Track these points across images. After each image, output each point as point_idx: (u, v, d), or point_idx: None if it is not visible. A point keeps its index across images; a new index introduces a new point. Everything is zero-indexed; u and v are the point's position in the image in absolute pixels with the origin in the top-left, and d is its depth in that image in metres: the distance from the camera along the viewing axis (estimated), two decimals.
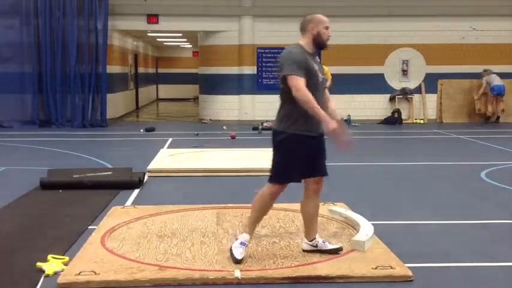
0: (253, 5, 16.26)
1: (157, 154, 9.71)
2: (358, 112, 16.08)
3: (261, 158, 9.47)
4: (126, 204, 6.39)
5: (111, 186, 7.19)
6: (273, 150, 4.59)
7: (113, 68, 16.93)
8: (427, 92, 16.76)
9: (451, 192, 7.28)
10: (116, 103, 17.33)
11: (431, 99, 16.85)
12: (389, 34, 16.18)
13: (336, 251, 4.56)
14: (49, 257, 4.40)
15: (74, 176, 7.47)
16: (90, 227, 5.49)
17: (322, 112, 4.25)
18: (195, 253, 4.63)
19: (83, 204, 6.49)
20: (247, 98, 16.55)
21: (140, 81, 23.57)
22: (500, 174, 8.45)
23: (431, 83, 16.73)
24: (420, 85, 16.82)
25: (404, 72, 16.76)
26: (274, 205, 6.18)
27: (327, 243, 4.62)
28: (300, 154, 4.41)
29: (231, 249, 4.45)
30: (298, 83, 4.25)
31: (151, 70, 28.34)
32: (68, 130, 14.66)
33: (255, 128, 14.53)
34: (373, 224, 5.12)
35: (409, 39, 16.35)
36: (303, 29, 4.61)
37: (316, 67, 4.47)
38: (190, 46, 27.89)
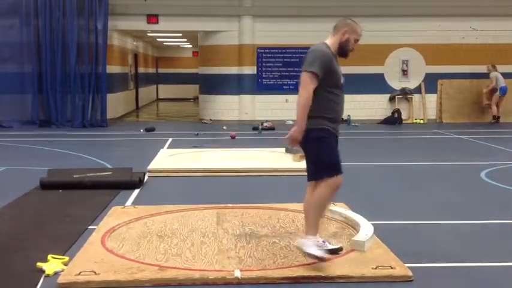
0: (253, 5, 16.26)
1: (157, 154, 9.72)
2: (358, 112, 16.08)
3: (261, 158, 9.49)
4: (126, 204, 6.39)
5: (111, 186, 7.19)
6: (308, 147, 4.45)
7: (113, 68, 16.94)
8: (427, 92, 16.76)
9: (451, 192, 7.28)
10: (116, 103, 17.33)
11: (431, 99, 16.86)
12: (389, 34, 16.19)
13: (336, 251, 4.55)
14: (49, 257, 4.40)
15: (74, 176, 7.48)
16: (90, 227, 5.49)
17: (303, 122, 4.32)
18: (195, 253, 4.63)
19: (83, 204, 6.49)
20: (247, 98, 16.56)
21: (140, 81, 23.58)
22: (500, 174, 8.45)
23: (431, 83, 16.73)
24: (420, 85, 16.82)
25: (404, 72, 16.77)
26: (274, 205, 6.23)
27: (327, 243, 4.62)
28: (335, 145, 4.44)
29: (309, 254, 4.32)
30: (310, 84, 4.26)
31: (151, 70, 28.35)
32: (68, 130, 14.66)
33: (255, 128, 14.53)
34: (373, 224, 5.12)
35: (409, 39, 16.35)
36: (336, 30, 4.54)
37: (339, 70, 4.47)
38: (190, 46, 27.90)
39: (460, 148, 11.76)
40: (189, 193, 7.22)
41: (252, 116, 16.40)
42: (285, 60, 16.54)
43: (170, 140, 12.41)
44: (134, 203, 6.52)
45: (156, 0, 16.03)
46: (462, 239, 5.25)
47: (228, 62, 16.49)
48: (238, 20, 16.30)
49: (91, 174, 7.55)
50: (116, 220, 5.58)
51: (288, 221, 5.63)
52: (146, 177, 7.89)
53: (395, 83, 16.74)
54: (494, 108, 16.23)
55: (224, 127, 14.91)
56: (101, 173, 7.68)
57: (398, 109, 16.45)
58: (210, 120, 16.63)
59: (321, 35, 18.26)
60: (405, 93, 16.63)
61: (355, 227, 5.27)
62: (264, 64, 16.60)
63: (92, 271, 4.13)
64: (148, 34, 20.44)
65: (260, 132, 14.07)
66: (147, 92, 26.34)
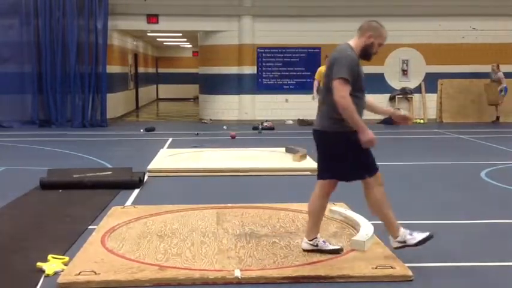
0: (253, 4, 16.26)
1: (157, 154, 9.72)
2: None
3: (261, 158, 9.49)
4: (126, 204, 6.39)
5: (111, 186, 7.19)
6: (339, 149, 4.42)
7: (113, 68, 16.94)
8: (427, 91, 16.77)
9: (451, 192, 7.28)
10: (116, 103, 17.33)
11: (431, 99, 16.86)
12: (389, 34, 16.10)
13: (336, 252, 4.56)
14: (49, 257, 4.40)
15: (74, 176, 7.48)
16: (90, 227, 5.49)
17: (361, 121, 4.27)
18: (195, 253, 4.63)
19: (83, 204, 6.49)
20: (247, 98, 16.56)
21: (140, 81, 23.58)
22: (500, 174, 8.45)
23: (431, 82, 16.73)
24: (420, 85, 16.83)
25: (404, 72, 16.77)
26: (274, 205, 6.22)
27: (327, 243, 4.62)
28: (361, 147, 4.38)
29: (406, 244, 4.44)
30: (345, 89, 4.24)
31: (151, 70, 28.35)
32: (68, 130, 14.66)
33: (255, 128, 14.53)
34: (373, 224, 5.11)
35: (409, 39, 16.35)
36: (361, 32, 4.52)
37: (363, 72, 4.47)
38: (190, 46, 27.90)
39: (460, 148, 11.76)
40: (189, 193, 7.22)
41: (252, 116, 16.40)
42: (285, 60, 16.55)
43: (170, 140, 12.41)
44: (134, 203, 6.52)
45: (156, 0, 16.03)
46: (462, 239, 5.25)
47: (228, 62, 16.50)
48: (238, 20, 16.30)
49: (91, 174, 7.54)
50: (115, 220, 5.58)
51: (288, 221, 5.63)
52: (146, 177, 7.89)
53: (396, 83, 16.74)
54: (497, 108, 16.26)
55: (224, 127, 14.92)
56: (101, 173, 7.68)
57: (398, 109, 16.40)
58: (210, 120, 16.63)
59: (321, 35, 18.44)
60: (405, 93, 16.64)
61: (355, 226, 5.27)
62: (264, 64, 16.60)
63: (92, 271, 4.12)
64: (148, 34, 20.44)
65: (260, 132, 14.07)
66: (147, 92, 26.34)
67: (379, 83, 16.44)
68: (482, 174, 8.36)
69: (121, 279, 4.06)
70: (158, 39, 24.88)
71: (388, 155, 10.43)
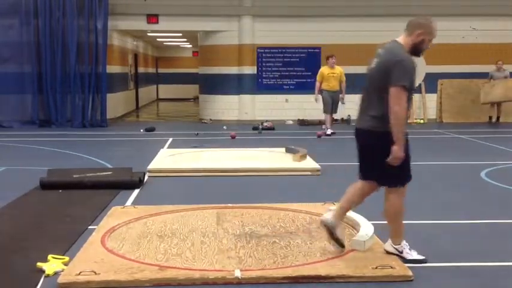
0: (253, 4, 16.26)
1: (157, 154, 9.72)
2: None
3: (261, 158, 9.49)
4: (126, 204, 6.39)
5: (111, 186, 7.19)
6: (378, 152, 4.34)
7: (113, 68, 16.93)
8: (427, 91, 16.75)
9: (451, 192, 7.28)
10: (116, 103, 17.33)
11: (431, 99, 16.85)
12: (389, 34, 16.08)
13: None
14: (49, 257, 4.40)
15: (74, 176, 7.47)
16: (90, 227, 5.49)
17: (402, 137, 4.24)
18: (195, 253, 4.63)
19: (83, 204, 6.49)
20: (247, 98, 16.56)
21: (140, 81, 23.58)
22: (500, 174, 8.45)
23: (431, 82, 16.71)
24: (420, 85, 16.81)
25: None
26: (274, 205, 6.22)
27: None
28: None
29: (408, 261, 4.42)
30: (404, 98, 4.20)
31: (151, 70, 28.34)
32: (68, 130, 14.66)
33: (255, 128, 14.53)
34: (373, 223, 5.12)
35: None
36: (410, 30, 4.47)
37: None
38: (190, 46, 27.90)
39: (460, 148, 11.76)
40: (189, 193, 7.22)
41: (252, 116, 16.40)
42: (285, 60, 16.54)
43: (170, 140, 12.41)
44: (134, 203, 6.52)
45: (156, 0, 16.03)
46: (462, 239, 5.25)
47: (228, 62, 16.50)
48: (238, 20, 16.29)
49: (91, 174, 7.54)
50: (115, 220, 5.58)
51: (288, 221, 5.63)
52: (146, 177, 7.89)
53: None
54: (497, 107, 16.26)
55: (224, 127, 14.91)
56: (101, 173, 7.68)
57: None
58: (210, 120, 16.63)
59: (321, 35, 18.44)
60: None
61: (355, 226, 5.27)
62: (264, 64, 16.59)
63: (92, 271, 4.13)
64: (148, 34, 20.43)
65: (260, 132, 14.07)
66: (147, 92, 26.34)
67: None
68: (482, 174, 8.36)
69: (121, 279, 4.06)
70: (158, 39, 24.88)
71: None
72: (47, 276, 4.16)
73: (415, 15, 16.03)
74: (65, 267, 4.27)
